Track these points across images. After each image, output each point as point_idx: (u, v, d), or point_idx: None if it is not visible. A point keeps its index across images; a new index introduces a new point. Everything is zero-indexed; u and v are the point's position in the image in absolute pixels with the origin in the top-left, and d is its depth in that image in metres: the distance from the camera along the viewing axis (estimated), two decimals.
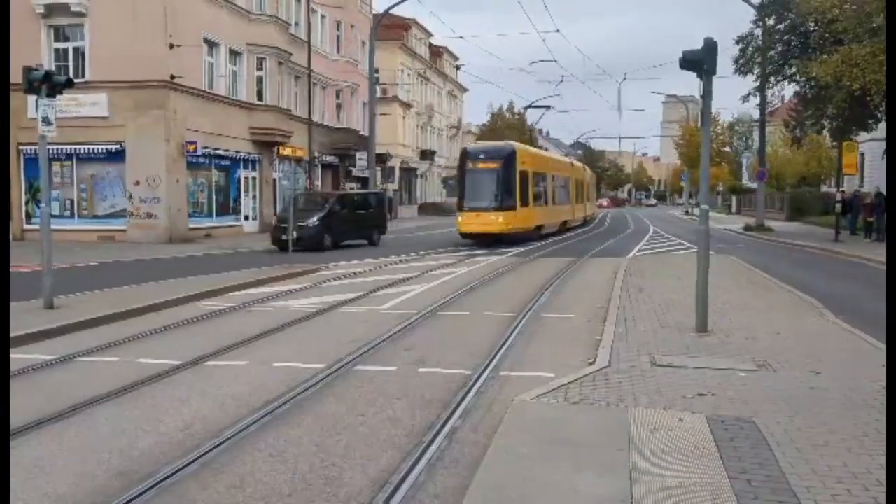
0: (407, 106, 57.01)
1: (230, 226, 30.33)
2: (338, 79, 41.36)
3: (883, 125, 26.87)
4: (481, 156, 26.57)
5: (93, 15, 25.76)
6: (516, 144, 28.96)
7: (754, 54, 31.40)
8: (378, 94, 41.54)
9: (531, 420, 5.69)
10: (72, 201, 27.06)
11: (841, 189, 29.64)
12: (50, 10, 25.89)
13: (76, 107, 23.98)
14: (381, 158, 46.28)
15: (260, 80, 31.65)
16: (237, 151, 30.82)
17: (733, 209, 65.08)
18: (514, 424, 5.58)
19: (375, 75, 37.32)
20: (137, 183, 25.89)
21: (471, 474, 4.74)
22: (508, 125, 68.60)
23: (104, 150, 26.16)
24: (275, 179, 33.69)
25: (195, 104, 27.36)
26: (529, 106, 52.32)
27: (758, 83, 32.22)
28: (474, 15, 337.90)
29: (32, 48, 24.41)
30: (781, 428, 5.42)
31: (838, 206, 26.95)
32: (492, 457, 4.95)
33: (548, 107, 47.50)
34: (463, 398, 6.53)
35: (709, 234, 9.40)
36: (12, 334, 8.68)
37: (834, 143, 34.16)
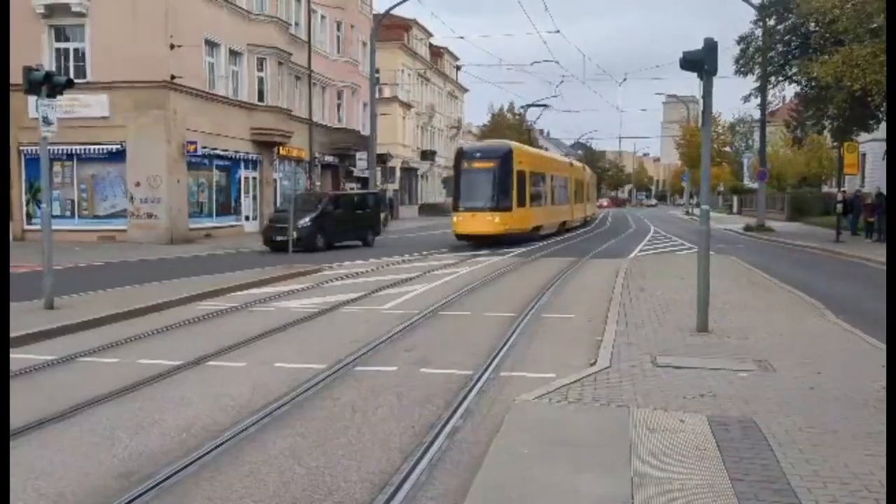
0: (407, 106, 57.01)
1: (231, 226, 30.34)
2: (338, 79, 41.37)
3: (884, 125, 26.85)
4: (477, 155, 26.16)
5: (93, 15, 25.77)
6: (513, 143, 28.51)
7: (755, 54, 31.40)
8: (378, 95, 41.52)
9: (532, 420, 5.69)
10: (72, 201, 27.06)
11: (842, 189, 29.64)
12: (51, 11, 25.89)
13: (77, 107, 23.98)
14: (382, 159, 46.28)
15: (260, 81, 31.67)
16: (237, 152, 30.83)
17: (734, 209, 65.08)
18: (515, 425, 5.58)
19: (376, 75, 37.34)
20: (138, 183, 25.90)
21: (472, 475, 4.73)
22: (509, 125, 68.58)
23: (105, 151, 26.16)
24: (275, 180, 33.70)
25: (195, 104, 27.37)
26: (527, 105, 52.25)
27: (758, 83, 32.23)
28: (475, 15, 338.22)
29: (33, 48, 24.41)
30: (782, 428, 5.42)
31: (839, 207, 26.94)
32: (493, 457, 4.95)
33: (546, 105, 47.39)
34: (464, 398, 6.53)
35: (709, 234, 9.40)
36: (12, 335, 8.68)
37: (835, 144, 34.15)
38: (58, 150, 24.65)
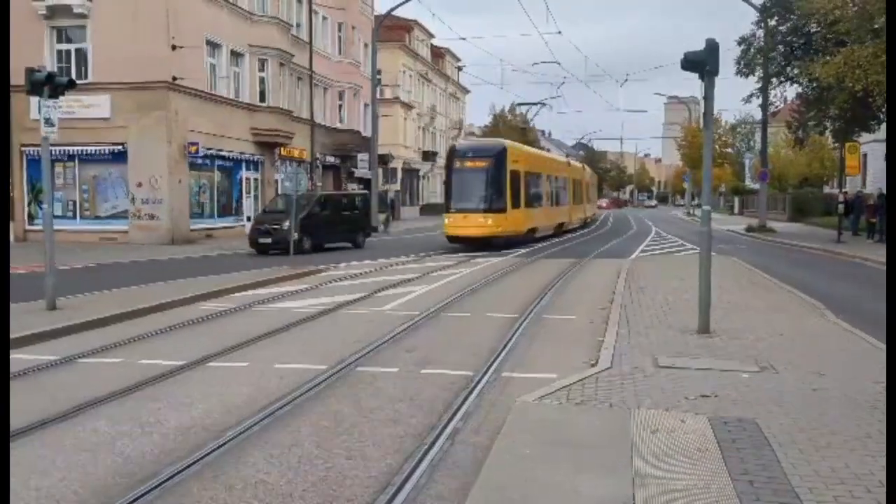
0: (409, 107, 57.04)
1: (232, 227, 30.34)
2: (339, 80, 41.39)
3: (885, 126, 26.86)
4: (469, 154, 25.12)
5: (95, 16, 25.80)
6: (507, 142, 27.20)
7: (756, 55, 31.42)
8: (379, 96, 41.53)
9: (533, 421, 5.69)
10: (74, 202, 27.09)
11: (843, 190, 29.62)
12: (52, 12, 25.93)
13: (78, 108, 24.01)
14: (383, 159, 46.30)
15: (262, 81, 31.68)
16: (239, 152, 30.84)
17: (736, 210, 65.06)
18: (517, 425, 5.58)
19: (377, 76, 37.36)
20: (140, 184, 25.92)
21: (473, 475, 4.74)
22: (510, 126, 68.57)
23: (106, 152, 26.19)
24: (277, 180, 33.72)
25: (197, 105, 27.38)
26: (523, 103, 52.08)
27: (760, 84, 32.23)
28: (476, 16, 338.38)
29: (35, 49, 24.45)
30: (784, 429, 5.42)
31: (841, 207, 26.94)
32: (494, 458, 4.96)
33: (542, 103, 47.19)
34: (465, 399, 6.54)
35: (711, 235, 9.39)
36: (13, 335, 8.70)
37: (836, 145, 34.16)
38: (59, 151, 24.71)
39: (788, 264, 19.62)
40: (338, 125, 41.69)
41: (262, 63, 31.52)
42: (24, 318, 10.09)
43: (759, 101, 33.43)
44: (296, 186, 18.39)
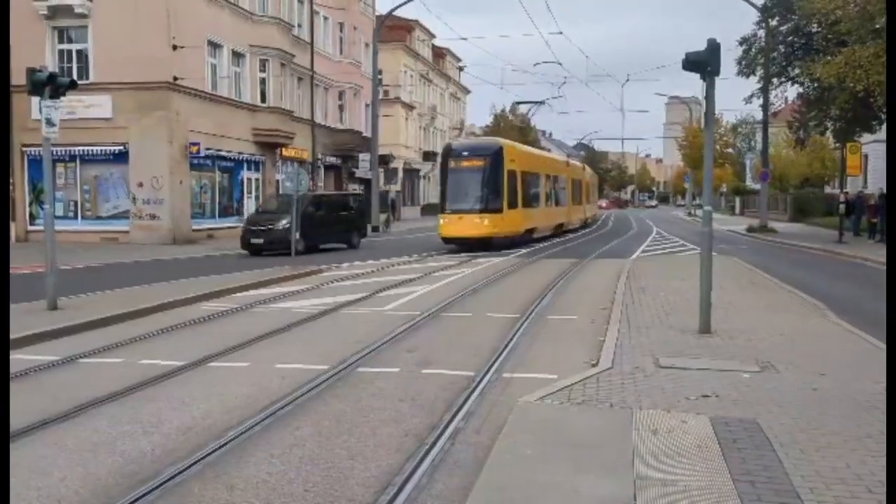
0: (409, 107, 57.04)
1: (234, 227, 30.31)
2: (340, 80, 41.41)
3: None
4: (465, 153, 24.53)
5: (96, 17, 25.83)
6: (503, 141, 26.85)
7: (757, 55, 31.42)
8: (380, 96, 41.55)
9: (534, 421, 5.69)
10: (75, 203, 27.13)
11: (845, 190, 29.61)
12: (53, 12, 25.96)
13: (80, 108, 24.03)
14: (384, 160, 46.30)
15: (263, 82, 31.71)
16: (240, 153, 30.88)
17: (737, 210, 65.02)
18: (518, 426, 5.58)
19: (378, 77, 37.37)
20: (141, 184, 25.96)
21: (474, 475, 4.74)
22: (511, 126, 68.56)
23: (107, 152, 26.25)
24: (278, 181, 33.73)
25: (198, 105, 27.41)
26: (523, 102, 52.04)
27: (761, 84, 32.23)
28: (477, 16, 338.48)
29: (36, 50, 24.45)
30: (785, 429, 5.42)
31: (842, 208, 26.93)
32: (495, 458, 4.96)
33: (540, 102, 47.13)
34: (466, 399, 6.53)
35: (712, 235, 9.39)
36: (14, 335, 8.70)
37: (837, 145, 34.14)
38: (61, 151, 24.75)
39: (789, 264, 19.60)
40: (339, 125, 41.72)
41: (263, 63, 31.55)
42: (25, 318, 10.10)
43: (760, 101, 33.44)
44: (296, 186, 18.32)
